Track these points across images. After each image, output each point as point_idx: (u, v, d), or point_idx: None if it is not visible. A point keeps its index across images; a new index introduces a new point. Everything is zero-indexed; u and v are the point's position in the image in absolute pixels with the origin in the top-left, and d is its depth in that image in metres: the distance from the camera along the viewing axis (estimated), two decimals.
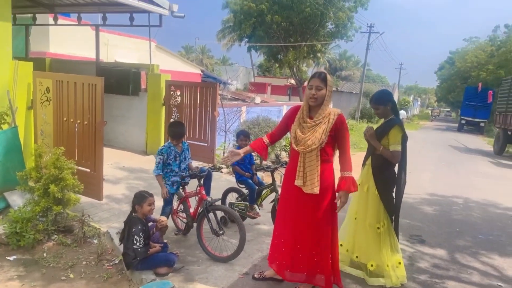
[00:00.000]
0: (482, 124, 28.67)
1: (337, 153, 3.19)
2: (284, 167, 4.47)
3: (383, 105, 3.65)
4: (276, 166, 4.87)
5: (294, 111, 3.22)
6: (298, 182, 3.07)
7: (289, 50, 28.32)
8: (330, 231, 3.17)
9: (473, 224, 5.86)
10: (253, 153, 5.32)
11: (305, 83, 3.34)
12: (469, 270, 4.15)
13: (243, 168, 4.92)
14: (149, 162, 7.80)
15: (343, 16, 26.17)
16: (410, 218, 5.83)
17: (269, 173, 4.92)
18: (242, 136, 4.94)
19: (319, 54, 31.18)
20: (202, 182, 4.18)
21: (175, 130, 4.29)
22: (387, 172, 3.60)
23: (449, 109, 75.13)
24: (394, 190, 3.65)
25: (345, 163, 3.03)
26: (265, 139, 3.35)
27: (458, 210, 6.61)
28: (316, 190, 3.01)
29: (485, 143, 21.44)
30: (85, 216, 4.25)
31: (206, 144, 7.61)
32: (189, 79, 16.12)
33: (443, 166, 11.62)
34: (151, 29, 8.60)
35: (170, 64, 16.86)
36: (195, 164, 4.68)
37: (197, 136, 7.66)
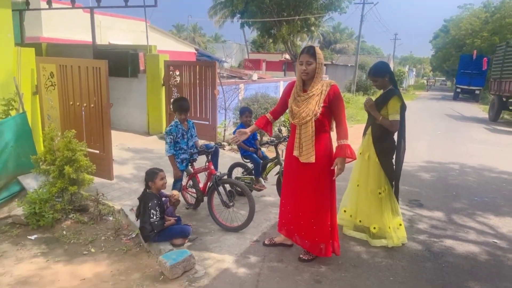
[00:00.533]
0: (477, 92, 28.75)
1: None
2: (286, 141, 4.67)
3: (381, 77, 3.78)
4: (279, 140, 5.04)
5: (290, 87, 3.37)
6: (295, 153, 3.27)
7: (282, 25, 27.94)
8: (328, 199, 3.33)
9: (468, 188, 6.09)
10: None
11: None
12: (466, 229, 4.41)
13: (247, 144, 5.08)
14: (153, 142, 8.02)
15: None
16: (408, 184, 6.07)
17: (273, 147, 5.09)
18: (247, 112, 5.10)
19: (312, 28, 30.75)
20: (210, 158, 4.36)
21: (181, 103, 4.43)
22: (387, 141, 3.77)
23: (444, 78, 75.02)
24: (394, 157, 3.84)
25: (341, 132, 3.16)
26: (269, 116, 3.54)
27: (454, 176, 6.84)
28: (312, 159, 3.17)
29: (481, 110, 21.64)
30: (99, 195, 4.44)
31: (207, 123, 7.75)
32: (184, 59, 16.06)
33: (439, 134, 11.83)
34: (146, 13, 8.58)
35: (164, 44, 16.73)
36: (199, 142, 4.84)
37: (198, 115, 7.78)
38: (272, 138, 5.04)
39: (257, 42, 46.62)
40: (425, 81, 59.76)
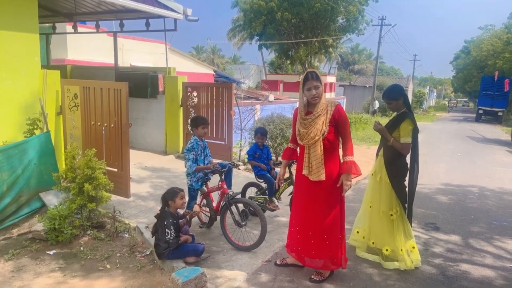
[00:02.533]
0: (500, 114, 28.24)
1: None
2: None
3: (395, 99, 3.86)
4: (293, 160, 5.09)
5: (296, 112, 3.53)
6: (304, 172, 3.38)
7: (300, 46, 28.42)
8: (339, 214, 3.43)
9: (487, 212, 5.99)
10: (270, 149, 5.62)
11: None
12: (482, 254, 4.34)
13: (259, 161, 5.16)
14: (170, 162, 8.20)
15: (354, 9, 26.16)
16: (425, 207, 6.01)
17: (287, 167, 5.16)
18: (259, 134, 5.22)
19: (330, 49, 31.22)
20: (223, 177, 4.46)
21: (202, 118, 4.60)
22: (398, 163, 3.81)
23: (466, 99, 73.87)
24: (407, 179, 3.86)
25: (346, 149, 3.30)
26: (291, 145, 3.69)
27: (473, 199, 6.73)
28: (322, 177, 3.29)
29: (503, 132, 21.19)
30: (116, 212, 4.59)
31: (223, 143, 7.88)
32: (203, 80, 16.47)
33: (459, 156, 11.65)
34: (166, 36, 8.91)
35: (183, 66, 17.20)
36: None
37: (214, 135, 7.94)
38: None
39: (275, 63, 47.26)
40: (447, 102, 58.91)
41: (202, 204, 4.78)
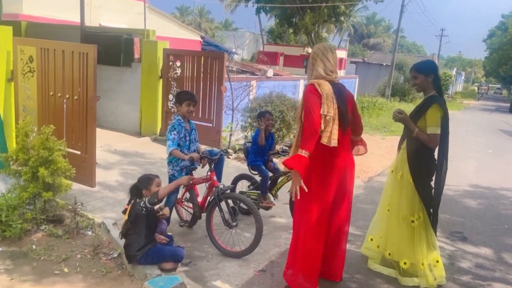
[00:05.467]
0: None
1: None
2: None
3: (424, 74, 3.76)
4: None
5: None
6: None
7: (306, 12, 28.01)
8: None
9: None
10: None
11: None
12: None
13: (259, 153, 5.10)
14: (145, 145, 8.15)
15: None
16: (450, 212, 6.00)
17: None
18: (268, 114, 5.20)
19: (342, 18, 30.84)
20: (212, 166, 4.39)
21: (188, 93, 4.52)
22: (424, 158, 3.74)
23: (499, 86, 74.35)
24: (433, 178, 3.80)
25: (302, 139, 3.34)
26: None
27: (507, 205, 6.75)
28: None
29: None
30: (78, 204, 4.48)
31: (210, 125, 7.86)
32: (187, 47, 16.21)
33: (490, 153, 11.70)
34: None
35: (164, 29, 16.93)
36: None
37: (200, 115, 7.86)
38: (285, 147, 5.05)
39: (275, 32, 46.86)
40: (476, 88, 59.22)
41: (184, 198, 4.72)
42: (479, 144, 13.16)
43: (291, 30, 36.31)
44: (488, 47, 49.74)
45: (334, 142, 3.25)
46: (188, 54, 8.14)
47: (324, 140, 3.25)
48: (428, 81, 3.78)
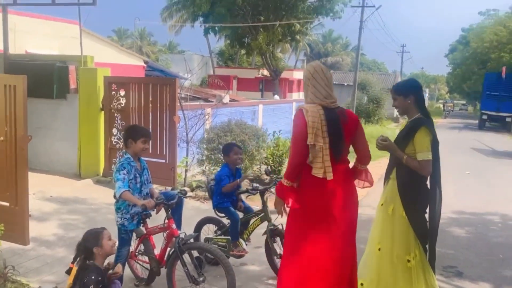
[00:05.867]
0: (508, 119, 29.65)
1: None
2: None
3: (403, 95, 3.78)
4: (267, 186, 4.90)
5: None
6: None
7: (259, 32, 28.50)
8: None
9: None
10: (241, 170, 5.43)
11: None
12: None
13: (227, 193, 4.91)
14: (86, 189, 7.86)
15: None
16: (439, 244, 5.82)
17: (256, 195, 4.96)
18: (236, 148, 5.04)
19: (298, 36, 31.56)
20: (170, 212, 4.18)
21: (144, 130, 4.36)
22: (417, 187, 3.70)
23: (464, 102, 78.08)
24: (427, 210, 3.75)
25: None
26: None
27: (496, 231, 6.86)
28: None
29: None
30: (8, 268, 4.16)
31: (163, 161, 7.69)
32: (129, 74, 15.92)
33: (468, 175, 12.01)
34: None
35: (102, 55, 16.50)
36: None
37: (151, 150, 7.60)
38: (256, 185, 4.90)
39: (226, 53, 47.41)
40: (442, 106, 61.79)
41: (138, 251, 4.50)
42: (454, 165, 13.49)
43: (243, 51, 36.77)
44: (451, 62, 52.42)
45: (329, 175, 3.27)
46: (134, 81, 7.95)
47: (315, 172, 3.27)
48: (407, 103, 3.80)
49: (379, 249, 3.84)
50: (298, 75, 40.22)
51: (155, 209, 4.16)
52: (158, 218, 4.33)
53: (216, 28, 29.22)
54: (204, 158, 8.86)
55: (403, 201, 3.67)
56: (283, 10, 28.39)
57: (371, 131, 19.32)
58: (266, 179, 8.97)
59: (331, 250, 3.36)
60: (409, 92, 3.79)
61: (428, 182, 3.79)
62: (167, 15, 41.75)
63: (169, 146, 7.60)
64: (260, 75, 35.27)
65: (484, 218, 7.56)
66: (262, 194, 4.86)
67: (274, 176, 7.18)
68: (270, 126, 12.87)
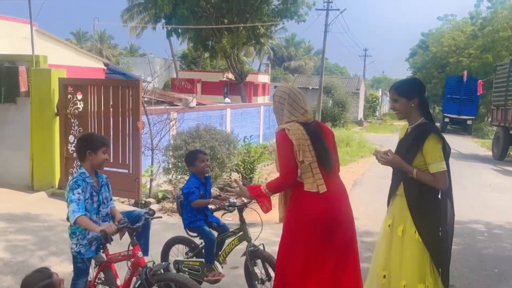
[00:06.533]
0: (469, 122, 30.59)
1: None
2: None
3: (406, 97, 3.34)
4: (246, 202, 4.38)
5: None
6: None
7: (223, 34, 28.14)
8: None
9: None
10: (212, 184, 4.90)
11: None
12: None
13: (199, 208, 4.41)
14: (39, 203, 7.44)
15: None
16: None
17: (234, 212, 4.38)
18: (201, 154, 4.58)
19: (262, 39, 31.45)
20: (135, 237, 3.60)
21: (104, 138, 3.78)
22: (430, 203, 3.29)
23: None
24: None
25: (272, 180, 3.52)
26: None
27: (484, 242, 6.64)
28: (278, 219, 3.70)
29: (478, 145, 22.88)
30: None
31: (126, 171, 7.26)
32: (88, 77, 15.25)
33: None
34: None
35: (58, 56, 15.90)
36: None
37: (112, 160, 7.06)
38: (233, 201, 4.34)
39: (189, 57, 46.91)
40: None
41: (97, 281, 3.93)
42: None
43: (207, 55, 36.35)
44: (411, 66, 53.54)
45: (322, 188, 3.24)
46: (93, 83, 7.48)
47: (308, 187, 3.25)
48: (410, 105, 3.35)
49: (384, 276, 3.37)
50: (263, 78, 40.07)
51: (118, 234, 3.53)
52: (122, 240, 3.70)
53: (179, 30, 28.81)
54: (170, 166, 8.51)
55: (415, 219, 3.24)
56: (247, 13, 28.20)
57: (339, 134, 19.23)
58: None
59: (336, 271, 3.30)
60: (414, 93, 3.34)
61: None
62: (128, 17, 40.97)
63: (132, 155, 7.11)
64: (225, 79, 34.92)
65: (469, 227, 7.30)
66: (240, 210, 4.34)
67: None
68: (239, 130, 12.61)
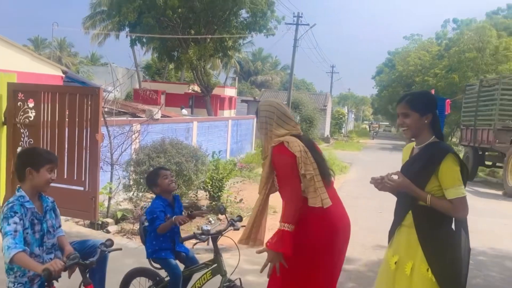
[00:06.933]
0: None
1: None
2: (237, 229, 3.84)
3: (419, 112, 2.93)
4: (221, 230, 3.91)
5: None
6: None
7: (189, 45, 27.77)
8: None
9: None
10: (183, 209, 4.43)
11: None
12: None
13: (165, 235, 3.88)
14: None
15: (262, 1, 26.52)
16: None
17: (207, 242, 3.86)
18: (162, 171, 4.13)
19: (230, 52, 31.30)
20: (88, 274, 3.08)
21: (50, 153, 3.25)
22: (446, 236, 2.87)
23: (388, 123, 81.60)
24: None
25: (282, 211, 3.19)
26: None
27: (472, 271, 6.27)
28: (258, 244, 3.36)
29: None
30: None
31: (82, 188, 6.55)
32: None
33: None
34: None
35: (11, 62, 15.22)
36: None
37: (66, 176, 6.52)
38: (206, 228, 3.81)
39: (153, 67, 46.25)
40: (367, 126, 64.08)
41: None
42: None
43: (172, 66, 35.80)
44: (377, 84, 54.38)
45: (327, 202, 3.14)
46: (47, 90, 6.78)
47: (312, 202, 3.12)
48: (423, 123, 2.95)
49: None
50: (230, 92, 39.75)
51: (67, 272, 2.94)
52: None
53: (144, 39, 28.19)
54: (131, 183, 7.98)
55: (427, 255, 2.81)
56: (215, 25, 28.01)
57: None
58: (219, 219, 7.88)
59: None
60: (428, 109, 2.93)
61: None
62: (89, 24, 40.03)
63: (89, 170, 6.43)
64: (190, 91, 34.45)
65: None
66: (214, 239, 3.84)
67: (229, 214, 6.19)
68: (206, 145, 12.13)
